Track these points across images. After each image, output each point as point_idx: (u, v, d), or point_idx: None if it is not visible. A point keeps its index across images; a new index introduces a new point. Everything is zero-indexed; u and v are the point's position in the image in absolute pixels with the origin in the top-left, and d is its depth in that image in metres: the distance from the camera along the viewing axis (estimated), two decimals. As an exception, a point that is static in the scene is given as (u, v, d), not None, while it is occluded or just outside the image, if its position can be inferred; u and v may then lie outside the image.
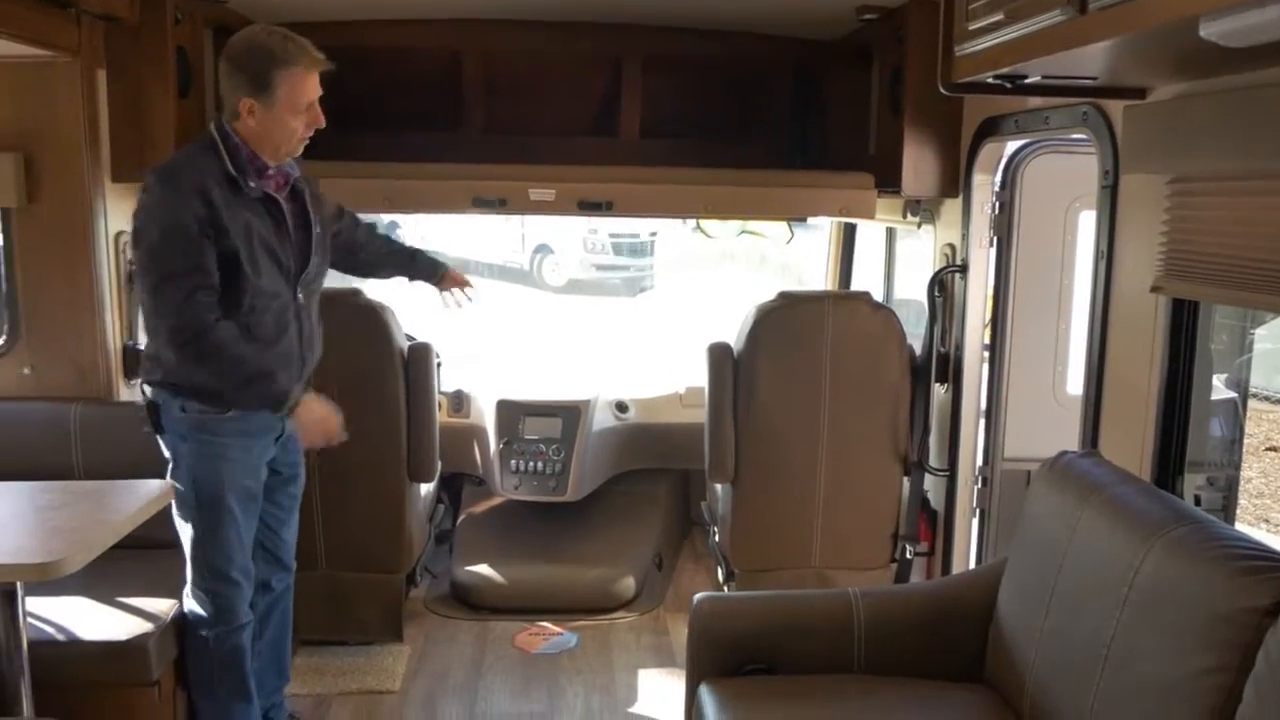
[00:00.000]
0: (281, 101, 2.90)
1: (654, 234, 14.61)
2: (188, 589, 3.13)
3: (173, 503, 3.06)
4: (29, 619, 2.78)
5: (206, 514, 3.06)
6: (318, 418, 3.09)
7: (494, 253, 15.08)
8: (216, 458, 3.04)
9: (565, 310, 13.70)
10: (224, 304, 2.91)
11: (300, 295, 3.08)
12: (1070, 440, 3.02)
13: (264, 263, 2.96)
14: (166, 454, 3.09)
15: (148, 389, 3.08)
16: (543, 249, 15.00)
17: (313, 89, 2.95)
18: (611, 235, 14.46)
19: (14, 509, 2.94)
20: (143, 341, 3.82)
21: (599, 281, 14.92)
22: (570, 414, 4.95)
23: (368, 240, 3.58)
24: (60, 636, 2.99)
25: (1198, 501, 2.68)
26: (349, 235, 3.48)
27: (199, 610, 3.12)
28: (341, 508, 4.00)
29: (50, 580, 2.54)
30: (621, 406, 5.22)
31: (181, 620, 3.17)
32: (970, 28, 2.48)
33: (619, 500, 5.13)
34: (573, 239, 14.65)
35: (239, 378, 2.93)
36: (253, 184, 2.94)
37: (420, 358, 4.04)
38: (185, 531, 3.09)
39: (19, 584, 2.67)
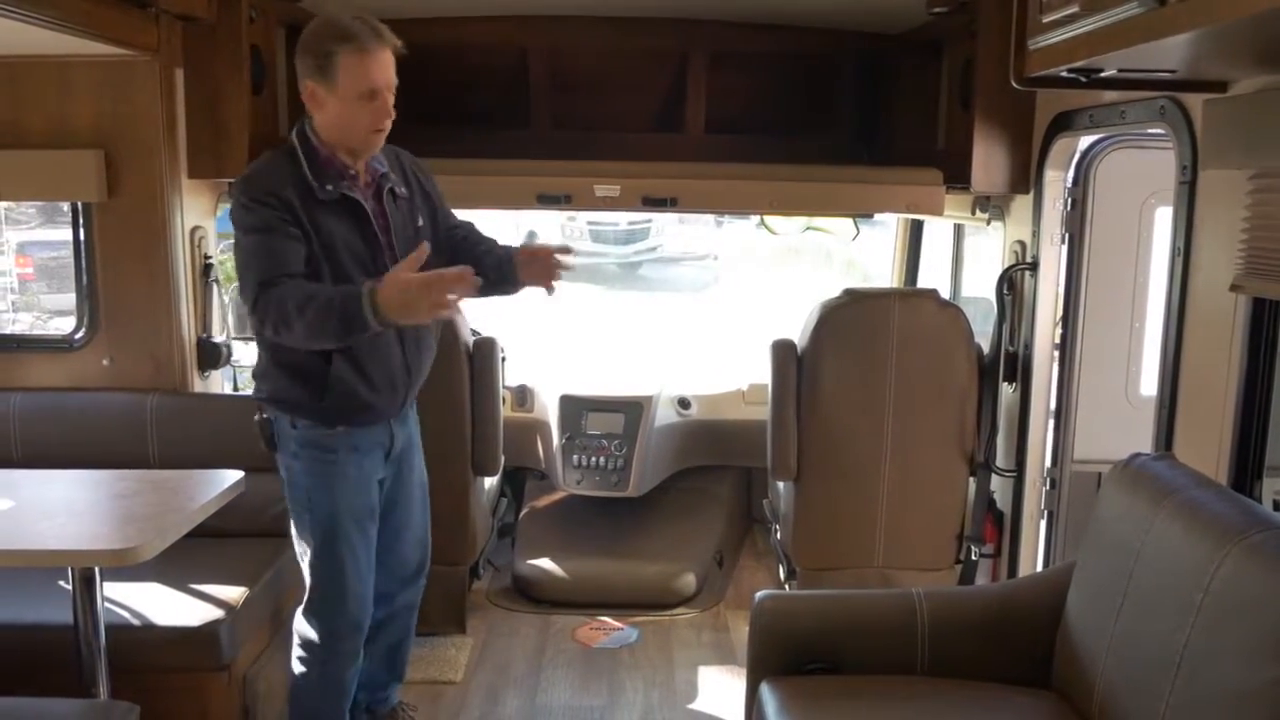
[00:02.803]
0: (343, 85, 2.71)
1: (638, 223, 14.63)
2: (300, 609, 3.07)
3: (291, 524, 3.04)
4: (105, 603, 2.84)
5: (320, 533, 2.97)
6: (401, 288, 2.62)
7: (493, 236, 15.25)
8: (329, 475, 2.95)
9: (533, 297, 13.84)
10: None
11: None
12: (1143, 442, 2.95)
13: (350, 268, 2.82)
14: (283, 473, 3.02)
15: (263, 405, 3.01)
16: (531, 235, 15.04)
17: (377, 73, 2.73)
18: (589, 223, 14.48)
19: (92, 496, 3.03)
20: (217, 335, 3.93)
21: (577, 267, 14.96)
22: (633, 410, 4.96)
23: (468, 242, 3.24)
24: (135, 621, 3.07)
25: (1277, 507, 2.61)
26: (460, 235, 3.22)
27: (308, 633, 3.05)
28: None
29: (126, 566, 2.61)
30: (684, 403, 5.22)
31: (253, 606, 3.24)
32: (1044, 20, 2.43)
33: (680, 497, 5.13)
34: (553, 226, 14.56)
35: (323, 311, 2.64)
36: (329, 187, 2.80)
37: (485, 352, 4.08)
38: (303, 552, 3.03)
39: (97, 569, 2.74)
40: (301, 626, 3.07)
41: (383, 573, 3.20)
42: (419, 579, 3.35)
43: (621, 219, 14.41)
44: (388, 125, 2.83)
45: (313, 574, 3.01)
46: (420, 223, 3.03)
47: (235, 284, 3.26)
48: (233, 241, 2.90)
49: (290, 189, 2.77)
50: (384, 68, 2.76)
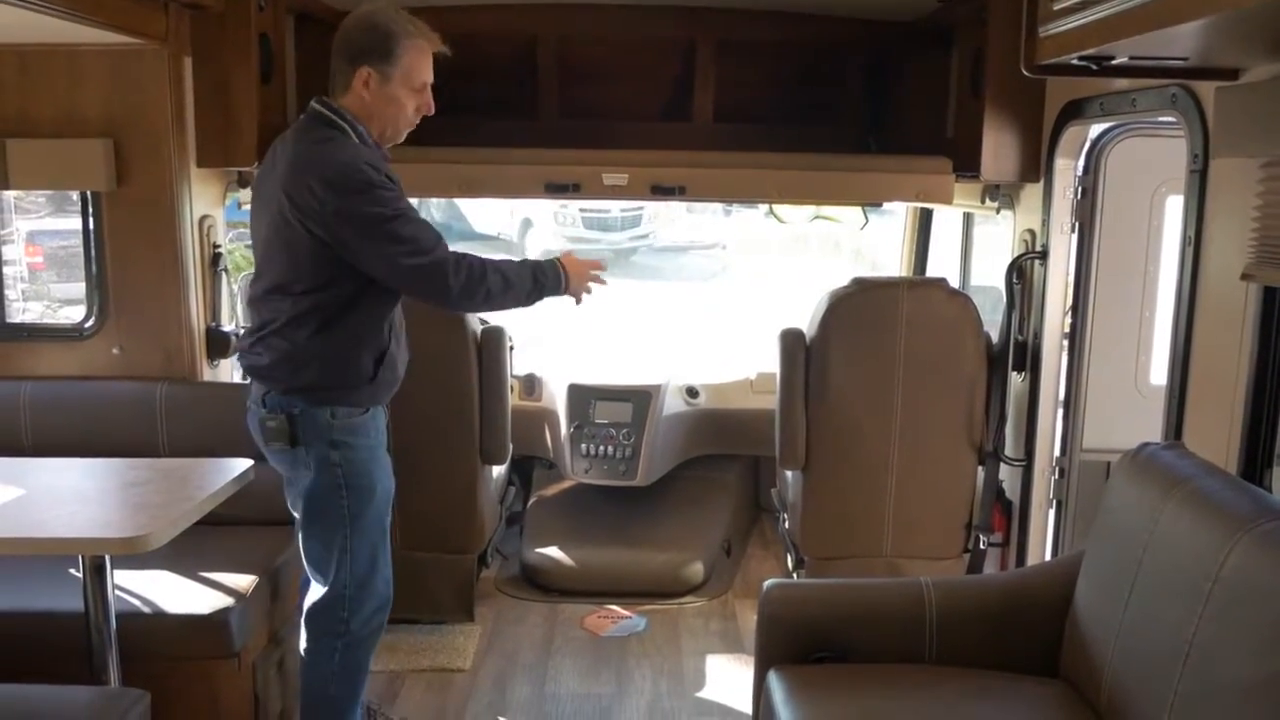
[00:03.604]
0: (400, 75, 2.84)
1: (629, 210, 14.86)
2: (320, 595, 3.02)
3: (300, 518, 2.99)
4: (116, 591, 2.86)
5: (360, 518, 2.96)
6: (580, 263, 3.08)
7: (490, 224, 15.73)
8: (368, 460, 2.95)
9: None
10: (382, 296, 2.88)
11: None
12: (1152, 431, 2.94)
13: None
14: (305, 468, 2.92)
15: (280, 400, 2.89)
16: (527, 222, 15.54)
17: (429, 69, 2.90)
18: (581, 210, 14.75)
19: (103, 485, 3.04)
20: (226, 324, 3.92)
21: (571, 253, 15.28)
22: (641, 399, 4.96)
23: None
24: (145, 609, 3.08)
25: (1287, 496, 2.60)
26: None
27: (331, 625, 3.03)
28: (415, 489, 4.05)
29: (137, 554, 2.62)
30: (692, 392, 5.22)
31: (263, 594, 3.25)
32: (1055, 8, 2.42)
33: (688, 485, 5.14)
34: (546, 213, 15.06)
35: (520, 275, 2.96)
36: (392, 179, 2.84)
37: (493, 341, 4.08)
38: (320, 543, 2.98)
39: (107, 557, 2.75)
40: (323, 620, 3.03)
41: None
42: None
43: (613, 206, 14.55)
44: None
45: (346, 563, 2.97)
46: None
47: (244, 273, 3.26)
48: (289, 219, 2.79)
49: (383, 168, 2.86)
50: (431, 65, 2.93)
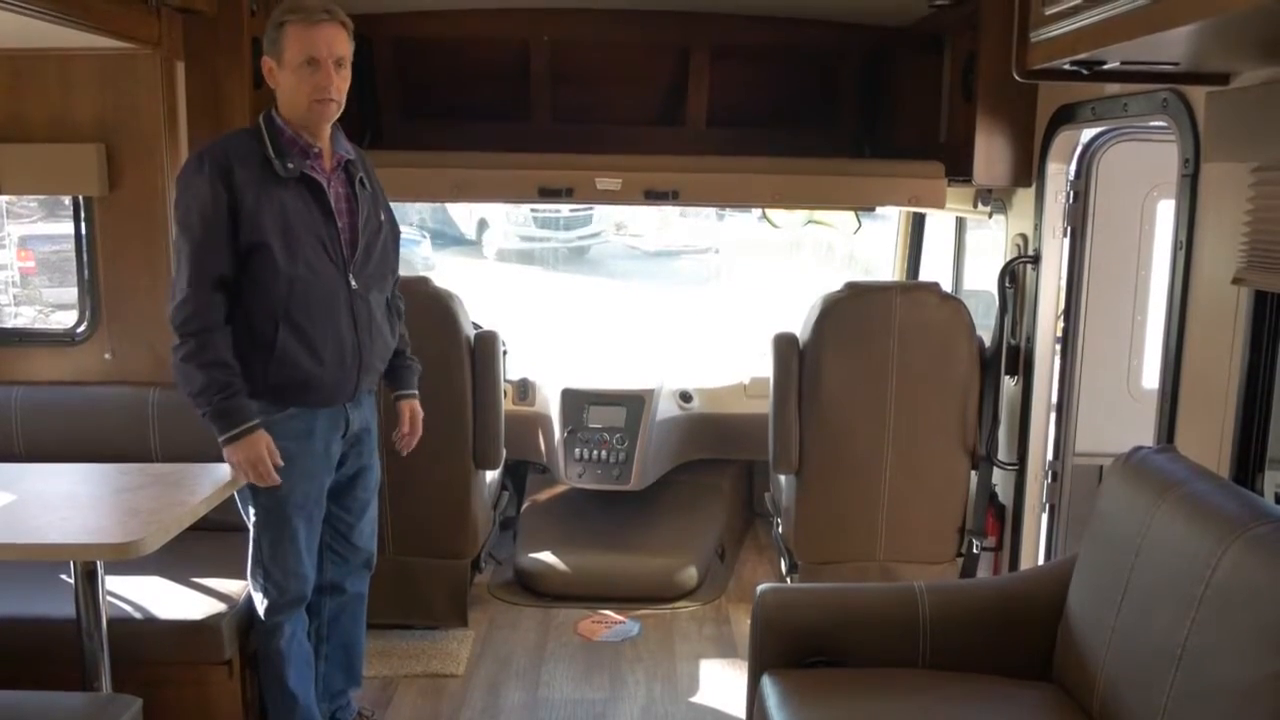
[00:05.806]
0: (288, 55, 2.84)
1: (578, 210, 15.13)
2: (249, 569, 3.14)
3: (236, 494, 3.07)
4: (108, 597, 2.84)
5: (263, 514, 3.05)
6: (251, 457, 2.91)
7: (453, 224, 16.25)
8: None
9: (497, 277, 14.48)
10: (259, 288, 2.89)
11: (354, 282, 2.99)
12: (1145, 435, 2.95)
13: (305, 243, 2.90)
14: None
15: None
16: (483, 223, 16.01)
17: (320, 43, 2.83)
18: (533, 211, 15.05)
19: (95, 490, 3.03)
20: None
21: (524, 251, 15.94)
22: (634, 403, 4.96)
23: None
24: (137, 615, 3.08)
25: (1278, 500, 2.61)
26: None
27: (254, 600, 3.14)
28: (408, 494, 4.05)
29: (129, 560, 2.61)
30: (685, 396, 5.22)
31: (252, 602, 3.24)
32: (1047, 13, 2.43)
33: (682, 490, 5.13)
34: (500, 212, 15.38)
35: (193, 385, 2.88)
36: (290, 165, 2.88)
37: (487, 346, 4.07)
38: (248, 522, 3.11)
39: (99, 563, 2.74)
40: (251, 590, 3.15)
41: (336, 561, 3.29)
42: (368, 570, 3.40)
43: (564, 206, 14.76)
44: (331, 97, 2.89)
45: (255, 548, 3.10)
46: (382, 218, 3.12)
47: None
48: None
49: (241, 167, 2.86)
50: (328, 40, 2.86)
